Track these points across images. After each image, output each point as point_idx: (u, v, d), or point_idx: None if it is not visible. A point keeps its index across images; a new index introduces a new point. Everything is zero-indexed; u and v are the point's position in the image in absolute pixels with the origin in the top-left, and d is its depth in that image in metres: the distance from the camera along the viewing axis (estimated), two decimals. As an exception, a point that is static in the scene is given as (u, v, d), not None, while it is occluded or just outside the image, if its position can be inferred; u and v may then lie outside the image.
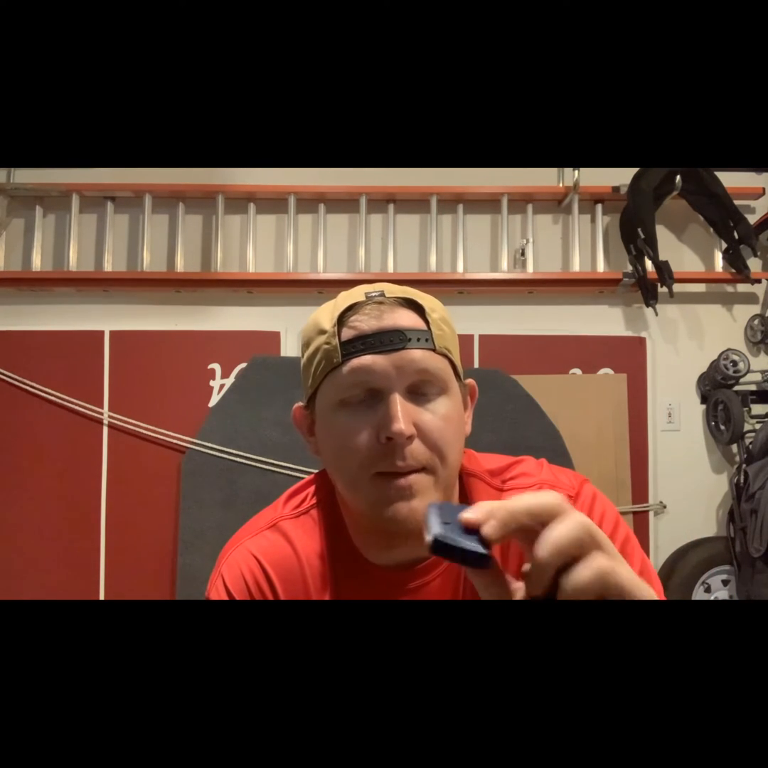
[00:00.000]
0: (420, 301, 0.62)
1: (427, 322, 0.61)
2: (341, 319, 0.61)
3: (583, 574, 0.36)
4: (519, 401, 2.25)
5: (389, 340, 0.59)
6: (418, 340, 0.60)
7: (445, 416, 0.61)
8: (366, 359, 0.59)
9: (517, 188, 2.38)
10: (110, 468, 2.30)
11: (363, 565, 0.68)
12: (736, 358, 2.31)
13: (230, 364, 2.34)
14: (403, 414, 0.58)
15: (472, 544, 0.37)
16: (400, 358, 0.59)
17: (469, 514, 0.38)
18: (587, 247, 2.43)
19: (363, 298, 0.62)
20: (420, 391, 0.61)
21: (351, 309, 0.61)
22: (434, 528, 0.38)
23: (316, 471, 0.74)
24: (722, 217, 2.32)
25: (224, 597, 0.67)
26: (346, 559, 0.68)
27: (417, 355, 0.60)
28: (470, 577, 0.40)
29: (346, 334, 0.60)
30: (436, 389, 0.61)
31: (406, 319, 0.61)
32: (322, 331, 0.62)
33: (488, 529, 0.37)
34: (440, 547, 0.37)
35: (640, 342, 2.43)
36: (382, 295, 0.62)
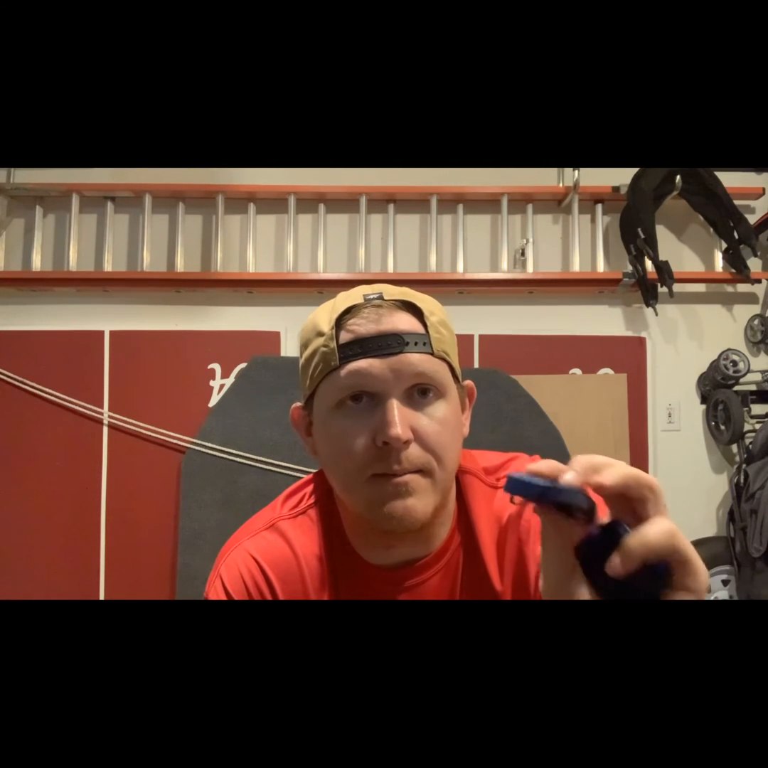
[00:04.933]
0: (418, 303, 0.62)
1: (425, 325, 0.61)
2: (339, 322, 0.61)
3: (653, 531, 0.37)
4: (519, 401, 2.24)
5: (387, 343, 0.59)
6: (416, 343, 0.60)
7: (442, 420, 0.61)
8: (363, 363, 0.59)
9: (517, 188, 2.38)
10: (110, 468, 2.30)
11: (361, 565, 0.68)
12: (736, 358, 2.31)
13: (230, 364, 2.33)
14: (400, 419, 0.58)
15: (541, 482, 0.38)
16: (397, 362, 0.59)
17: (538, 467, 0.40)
18: (587, 247, 2.42)
19: (361, 300, 0.62)
20: (417, 394, 0.61)
21: (349, 312, 0.61)
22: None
23: (315, 471, 0.74)
24: (722, 217, 2.32)
25: (223, 597, 0.67)
26: (344, 558, 0.68)
27: (415, 359, 0.60)
28: (544, 540, 0.42)
29: (344, 337, 0.60)
30: (434, 393, 0.61)
31: (405, 322, 0.61)
32: (320, 333, 0.62)
33: (571, 478, 0.39)
34: (515, 484, 0.38)
35: (640, 342, 2.42)
36: (381, 297, 0.62)
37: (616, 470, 0.38)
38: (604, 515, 0.40)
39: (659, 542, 0.37)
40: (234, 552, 0.70)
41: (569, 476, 0.38)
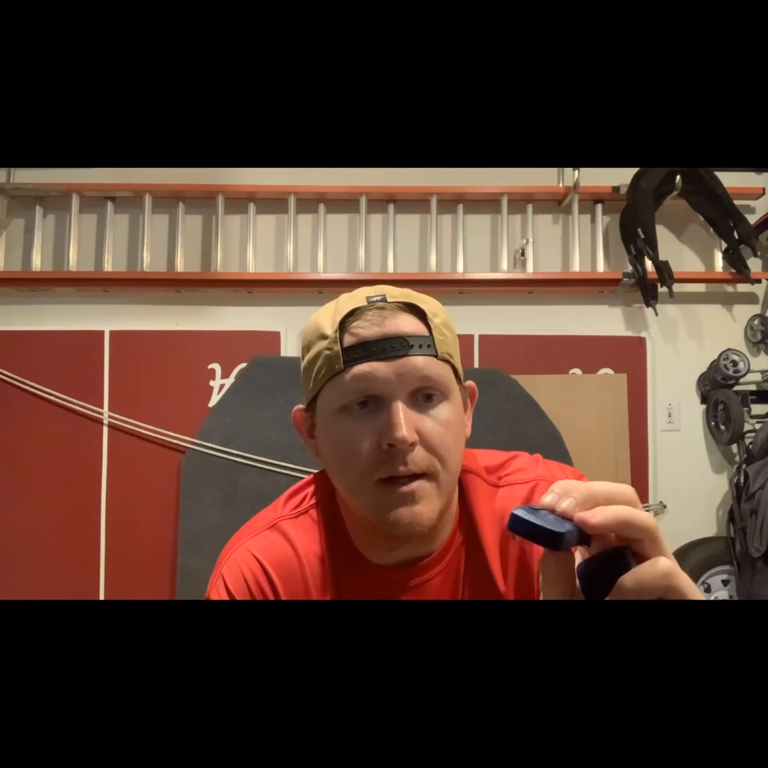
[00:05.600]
0: (422, 305, 0.62)
1: (428, 327, 0.61)
2: (343, 325, 0.61)
3: (648, 573, 0.38)
4: (519, 401, 2.24)
5: (391, 346, 0.59)
6: (421, 346, 0.60)
7: (446, 422, 0.61)
8: (368, 366, 0.59)
9: (517, 188, 2.38)
10: (110, 468, 2.30)
11: (363, 564, 0.68)
12: (736, 358, 2.31)
13: (230, 364, 2.34)
14: (405, 421, 0.58)
15: (548, 523, 0.38)
16: (402, 365, 0.59)
17: (548, 498, 0.39)
18: (587, 247, 2.43)
19: (364, 303, 0.61)
20: (421, 397, 0.60)
21: (352, 314, 0.61)
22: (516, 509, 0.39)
23: (316, 471, 0.74)
24: (722, 217, 2.32)
25: (225, 597, 0.67)
26: (346, 558, 0.68)
27: (419, 362, 0.59)
28: (543, 564, 0.41)
29: (348, 340, 0.60)
30: (438, 395, 0.61)
31: (408, 324, 0.61)
32: (324, 336, 0.62)
33: (566, 507, 0.39)
34: (516, 523, 0.38)
35: (640, 342, 2.43)
36: (384, 299, 0.62)
37: (607, 513, 0.38)
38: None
39: (654, 584, 0.38)
40: (236, 552, 0.69)
41: (566, 504, 0.39)
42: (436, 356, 0.60)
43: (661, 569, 0.38)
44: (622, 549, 0.39)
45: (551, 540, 0.38)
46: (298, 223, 2.39)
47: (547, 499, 0.39)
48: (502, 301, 2.42)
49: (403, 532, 0.59)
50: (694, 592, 0.39)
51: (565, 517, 0.38)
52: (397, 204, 2.41)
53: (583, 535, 0.38)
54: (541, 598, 0.43)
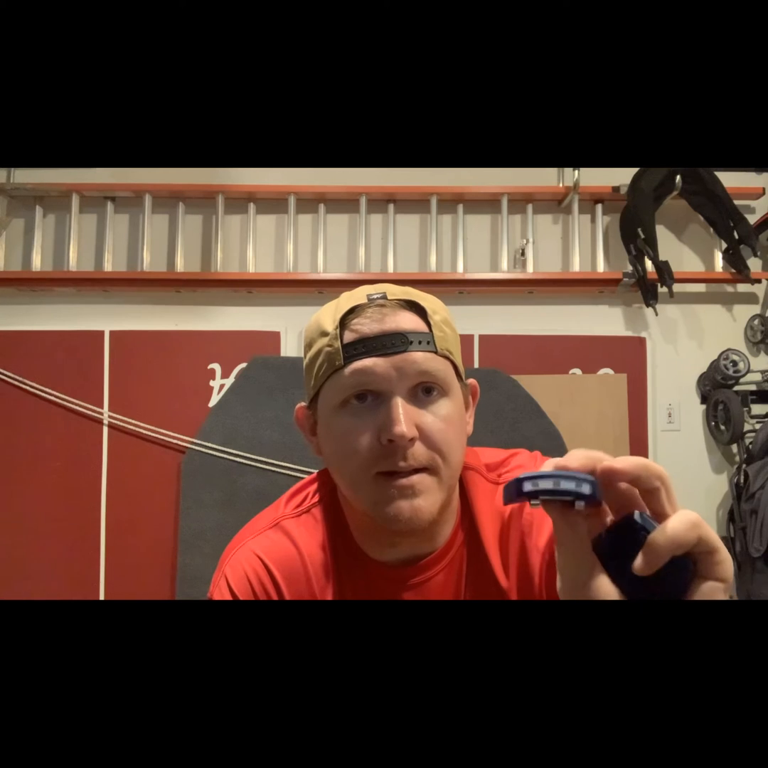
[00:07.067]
0: (422, 302, 0.63)
1: (428, 324, 0.62)
2: (343, 322, 0.61)
3: (678, 526, 0.37)
4: (519, 401, 2.24)
5: (391, 342, 0.60)
6: (420, 342, 0.60)
7: (446, 418, 0.61)
8: (368, 362, 0.59)
9: (517, 188, 2.38)
10: (110, 468, 2.30)
11: (366, 562, 0.68)
12: (736, 358, 2.31)
13: (230, 364, 2.33)
14: (404, 417, 0.58)
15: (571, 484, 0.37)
16: (401, 361, 0.59)
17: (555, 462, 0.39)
18: (587, 247, 2.42)
19: (365, 300, 0.62)
20: (421, 393, 0.61)
21: (353, 311, 0.61)
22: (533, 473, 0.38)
23: (315, 471, 0.75)
24: (722, 217, 2.32)
25: (228, 597, 0.67)
26: (348, 556, 0.69)
27: (418, 357, 0.60)
28: (554, 517, 0.40)
29: (348, 336, 0.61)
30: (438, 391, 0.61)
31: (408, 321, 0.61)
32: (325, 333, 0.62)
33: (585, 462, 0.39)
34: (535, 481, 0.38)
35: (640, 342, 2.42)
36: (384, 297, 0.62)
37: (628, 460, 0.38)
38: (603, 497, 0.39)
39: (685, 536, 0.36)
40: (238, 552, 0.70)
41: (573, 460, 0.38)
42: (435, 352, 0.61)
43: (689, 520, 0.37)
44: (631, 515, 0.38)
45: (578, 493, 0.37)
46: (298, 223, 2.39)
47: (554, 463, 0.39)
48: (502, 301, 2.42)
49: (404, 527, 0.60)
50: (723, 545, 0.38)
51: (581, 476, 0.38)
52: (397, 204, 2.41)
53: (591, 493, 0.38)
54: (558, 581, 0.42)
